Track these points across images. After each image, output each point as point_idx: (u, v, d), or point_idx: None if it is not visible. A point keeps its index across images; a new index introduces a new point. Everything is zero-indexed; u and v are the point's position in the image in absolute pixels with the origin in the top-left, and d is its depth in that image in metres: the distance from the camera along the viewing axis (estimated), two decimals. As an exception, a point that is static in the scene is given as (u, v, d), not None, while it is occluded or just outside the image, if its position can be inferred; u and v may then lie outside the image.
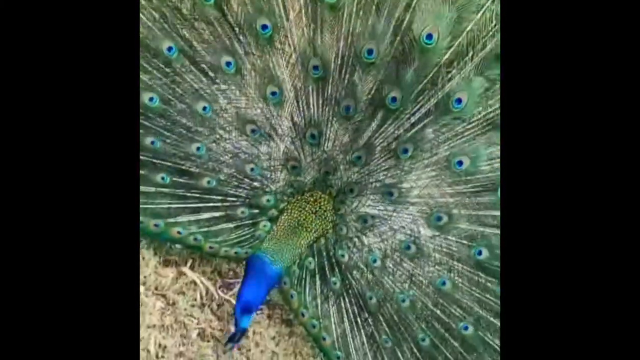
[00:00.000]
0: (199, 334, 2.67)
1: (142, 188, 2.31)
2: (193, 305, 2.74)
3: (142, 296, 2.65)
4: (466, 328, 2.26)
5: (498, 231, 2.12)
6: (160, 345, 2.57)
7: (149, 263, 2.75)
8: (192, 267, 2.85)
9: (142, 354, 2.50)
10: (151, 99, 2.18)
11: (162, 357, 2.54)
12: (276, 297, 2.92)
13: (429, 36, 1.94)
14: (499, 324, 2.17)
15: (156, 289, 2.72)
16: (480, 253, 2.21)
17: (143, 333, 2.55)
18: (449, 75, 2.03)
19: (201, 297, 2.77)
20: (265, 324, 2.81)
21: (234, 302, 2.81)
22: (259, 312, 2.81)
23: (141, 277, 2.69)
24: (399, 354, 2.36)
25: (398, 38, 2.01)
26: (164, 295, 2.71)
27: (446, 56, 2.00)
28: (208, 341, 2.66)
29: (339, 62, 2.09)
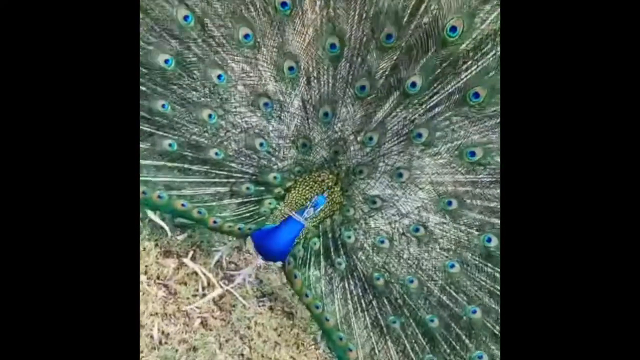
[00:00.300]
0: (201, 323, 2.63)
1: (148, 161, 2.31)
2: (195, 295, 2.71)
3: (144, 285, 2.63)
4: (474, 312, 2.25)
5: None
6: (163, 332, 2.53)
7: (150, 253, 2.73)
8: (193, 259, 2.83)
9: (146, 339, 2.46)
10: (166, 61, 2.16)
11: (165, 343, 2.50)
12: (279, 290, 2.91)
13: (453, 29, 1.96)
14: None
15: (158, 278, 2.69)
16: (489, 240, 2.21)
17: (146, 320, 2.51)
18: (465, 66, 2.04)
19: (203, 288, 2.75)
20: (268, 316, 2.79)
21: (235, 293, 2.80)
22: (261, 302, 2.80)
23: (142, 266, 2.67)
24: (404, 338, 2.34)
25: (413, 25, 2.02)
26: (165, 285, 2.69)
27: (465, 45, 2.01)
28: (210, 330, 2.62)
29: (357, 42, 2.09)
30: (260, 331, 2.72)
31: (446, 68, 2.06)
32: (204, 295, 2.73)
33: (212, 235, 2.93)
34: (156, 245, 2.78)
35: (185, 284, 2.72)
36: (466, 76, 2.06)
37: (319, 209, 2.28)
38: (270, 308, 2.84)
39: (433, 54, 2.03)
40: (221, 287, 2.78)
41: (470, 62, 2.04)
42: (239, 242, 2.98)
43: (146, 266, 2.68)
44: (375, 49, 2.07)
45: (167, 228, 2.84)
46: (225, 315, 2.71)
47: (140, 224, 2.76)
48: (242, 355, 2.62)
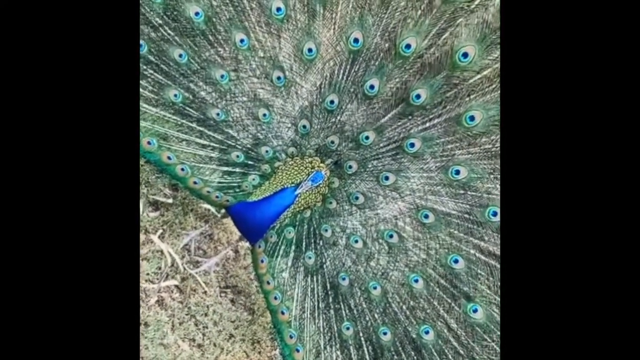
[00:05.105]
0: (157, 301, 2.53)
1: (153, 109, 2.32)
2: (156, 273, 2.62)
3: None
4: (427, 332, 2.19)
5: (476, 252, 2.11)
6: (115, 302, 2.43)
7: (118, 224, 2.64)
8: (161, 237, 2.75)
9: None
10: (197, 14, 2.15)
11: (116, 313, 2.40)
12: (244, 285, 2.83)
13: (465, 55, 1.94)
14: (460, 336, 2.13)
15: (121, 249, 2.59)
16: (457, 261, 2.16)
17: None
18: (469, 93, 2.00)
19: (166, 267, 2.66)
20: (227, 307, 2.70)
21: (198, 278, 2.71)
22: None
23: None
24: (352, 348, 2.28)
25: (438, 42, 1.99)
26: (128, 257, 2.59)
27: (474, 78, 1.98)
28: (165, 309, 2.52)
29: (377, 41, 2.06)
30: (217, 320, 2.62)
31: (451, 89, 2.03)
32: (166, 275, 2.64)
33: (184, 218, 2.86)
34: (126, 217, 2.70)
35: (148, 260, 2.63)
36: (470, 103, 2.02)
37: (316, 184, 2.29)
38: (232, 301, 2.75)
39: (443, 73, 2.01)
40: (185, 269, 2.69)
41: (477, 89, 2.00)
42: (211, 229, 2.92)
43: (112, 235, 2.59)
44: (393, 54, 2.05)
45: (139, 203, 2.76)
46: (184, 298, 2.61)
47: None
48: (194, 340, 2.52)
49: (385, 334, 2.23)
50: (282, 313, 2.38)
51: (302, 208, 2.34)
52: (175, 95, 2.30)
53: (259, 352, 2.64)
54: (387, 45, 2.05)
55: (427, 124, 2.11)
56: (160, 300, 2.56)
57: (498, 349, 2.04)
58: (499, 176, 2.03)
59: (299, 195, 2.29)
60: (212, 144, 2.37)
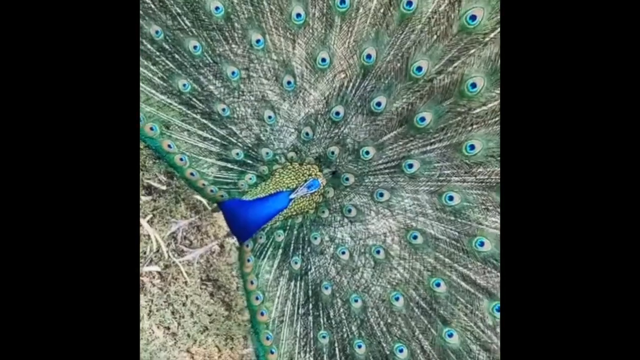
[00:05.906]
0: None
1: (160, 96, 2.33)
2: (140, 257, 2.62)
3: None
4: (401, 350, 2.22)
5: (458, 279, 2.14)
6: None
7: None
8: (150, 222, 2.75)
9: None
10: (217, 8, 2.17)
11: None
12: (225, 280, 2.84)
13: (473, 85, 1.96)
14: (432, 358, 2.16)
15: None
16: (438, 285, 2.19)
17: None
18: (472, 123, 2.03)
19: (151, 252, 2.66)
20: (206, 300, 2.71)
21: (181, 267, 2.72)
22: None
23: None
24: (324, 357, 2.31)
25: (449, 69, 2.01)
26: (113, 238, 2.60)
27: (479, 109, 2.00)
28: (144, 294, 2.53)
29: (390, 59, 2.08)
30: (194, 311, 2.64)
31: (455, 116, 2.06)
32: (150, 260, 2.65)
33: (175, 207, 2.87)
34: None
35: (135, 243, 2.64)
36: (472, 131, 2.05)
37: (311, 192, 2.32)
38: (211, 294, 2.76)
39: (450, 100, 2.04)
40: (169, 257, 2.70)
41: (481, 120, 2.03)
42: (200, 221, 2.93)
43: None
44: (404, 74, 2.08)
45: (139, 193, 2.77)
46: (164, 286, 2.62)
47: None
48: (168, 328, 2.53)
49: (360, 346, 2.26)
50: (262, 314, 2.40)
51: (294, 213, 2.37)
52: (184, 85, 2.32)
53: (231, 349, 2.65)
54: (398, 65, 2.08)
55: (428, 147, 2.14)
56: (141, 284, 2.56)
57: (468, 375, 2.08)
58: (489, 207, 2.06)
59: (293, 200, 2.31)
60: (213, 138, 2.39)
